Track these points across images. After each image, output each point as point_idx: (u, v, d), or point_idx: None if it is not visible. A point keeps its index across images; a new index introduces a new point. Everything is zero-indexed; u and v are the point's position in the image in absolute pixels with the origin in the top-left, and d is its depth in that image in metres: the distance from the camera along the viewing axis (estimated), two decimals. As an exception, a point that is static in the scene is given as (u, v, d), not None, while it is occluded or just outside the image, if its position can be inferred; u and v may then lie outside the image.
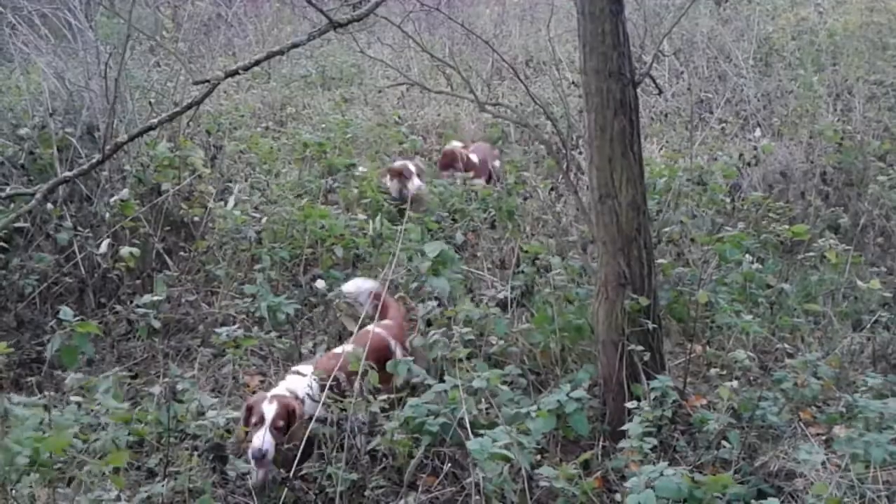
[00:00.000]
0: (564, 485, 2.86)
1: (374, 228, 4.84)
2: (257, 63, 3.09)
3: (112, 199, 4.49)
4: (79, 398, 3.10)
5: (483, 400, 3.28)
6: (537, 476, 2.91)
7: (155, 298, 3.91)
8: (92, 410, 3.05)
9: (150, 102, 5.70)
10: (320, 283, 4.19)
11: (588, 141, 3.71)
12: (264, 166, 5.91)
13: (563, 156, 4.70)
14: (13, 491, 2.67)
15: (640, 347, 3.48)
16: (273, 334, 3.88)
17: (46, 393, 3.12)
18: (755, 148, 5.98)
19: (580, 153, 5.52)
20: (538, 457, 3.14)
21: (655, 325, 3.59)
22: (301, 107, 8.11)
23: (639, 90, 3.69)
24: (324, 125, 6.56)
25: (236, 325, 3.93)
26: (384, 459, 3.08)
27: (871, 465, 2.92)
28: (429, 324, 3.82)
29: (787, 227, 4.79)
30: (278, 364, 3.88)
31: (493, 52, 6.42)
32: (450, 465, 3.07)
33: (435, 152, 7.01)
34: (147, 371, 4.02)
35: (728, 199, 5.33)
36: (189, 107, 2.97)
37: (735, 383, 3.34)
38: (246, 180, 5.51)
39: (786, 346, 3.85)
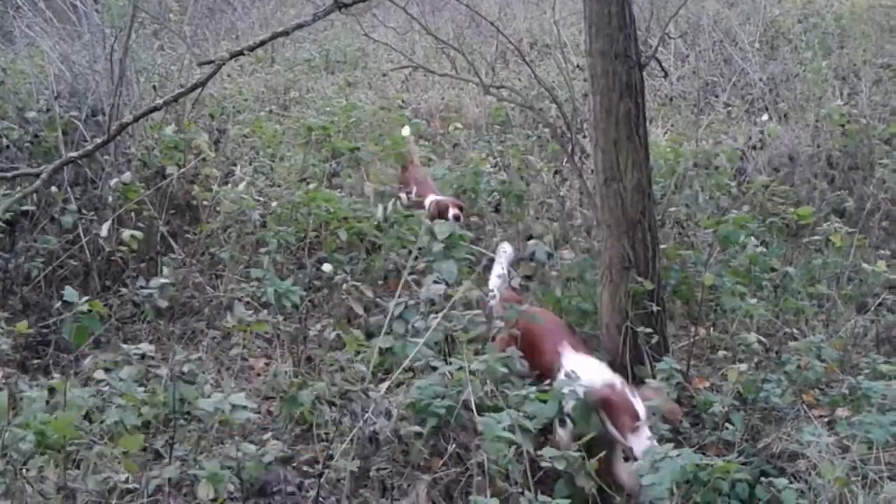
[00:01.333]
0: (567, 466, 2.88)
1: (384, 213, 4.81)
2: (262, 44, 3.08)
3: (113, 182, 4.50)
4: (103, 376, 3.12)
5: (488, 382, 3.29)
6: (539, 457, 2.92)
7: (164, 281, 3.91)
8: (100, 392, 3.07)
9: (154, 86, 5.69)
10: (327, 267, 4.20)
11: (593, 124, 3.71)
12: (268, 150, 5.92)
13: (568, 139, 4.68)
14: (24, 471, 2.69)
15: (645, 330, 3.49)
16: (279, 317, 3.90)
17: (58, 375, 3.14)
18: (761, 131, 5.96)
19: (585, 137, 5.51)
20: (541, 438, 3.15)
21: (660, 308, 3.60)
22: (305, 90, 8.09)
23: (644, 73, 3.68)
24: (328, 109, 6.55)
25: (244, 309, 3.95)
26: (389, 442, 3.09)
27: (874, 446, 2.93)
28: (432, 304, 3.83)
29: (792, 210, 4.78)
30: (283, 346, 3.90)
31: (497, 34, 6.38)
32: (454, 446, 3.08)
33: (439, 136, 7.00)
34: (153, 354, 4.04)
35: (733, 183, 5.31)
36: (194, 87, 2.97)
37: (744, 366, 3.35)
38: (250, 164, 5.51)
39: (790, 329, 3.86)
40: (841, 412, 3.30)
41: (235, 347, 3.76)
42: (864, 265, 4.25)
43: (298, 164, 5.35)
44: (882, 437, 2.94)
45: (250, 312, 3.63)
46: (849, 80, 7.21)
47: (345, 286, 4.06)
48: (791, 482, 2.80)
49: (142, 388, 3.10)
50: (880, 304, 4.18)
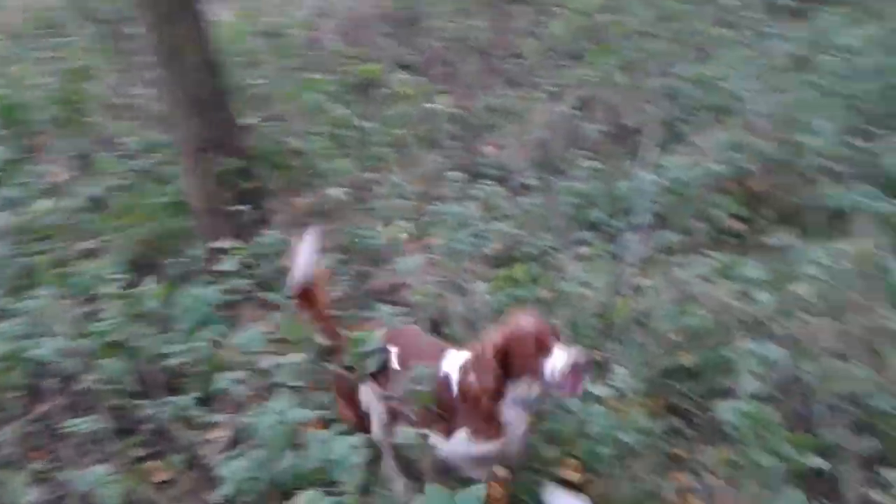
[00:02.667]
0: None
1: None
2: None
3: None
4: None
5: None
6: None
7: None
8: None
9: None
10: None
11: (138, 1, 3.38)
12: None
13: (121, 29, 4.25)
14: None
15: (239, 208, 3.41)
16: None
17: None
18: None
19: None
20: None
21: (257, 185, 3.54)
22: None
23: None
24: None
25: None
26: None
27: (459, 258, 3.26)
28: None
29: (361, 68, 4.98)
30: None
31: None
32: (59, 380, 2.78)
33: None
34: None
35: (308, 52, 5.35)
36: None
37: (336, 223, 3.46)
38: None
39: (375, 175, 4.07)
40: (434, 239, 3.62)
41: None
42: (429, 105, 4.61)
43: None
44: (463, 250, 3.28)
45: None
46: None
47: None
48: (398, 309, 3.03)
49: None
50: (452, 139, 4.60)
